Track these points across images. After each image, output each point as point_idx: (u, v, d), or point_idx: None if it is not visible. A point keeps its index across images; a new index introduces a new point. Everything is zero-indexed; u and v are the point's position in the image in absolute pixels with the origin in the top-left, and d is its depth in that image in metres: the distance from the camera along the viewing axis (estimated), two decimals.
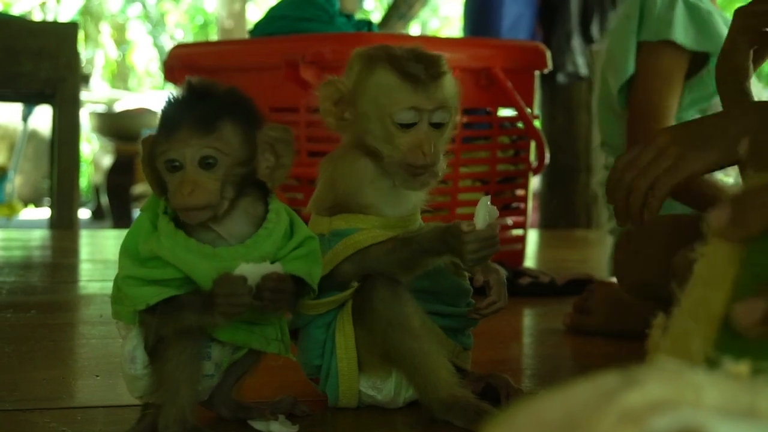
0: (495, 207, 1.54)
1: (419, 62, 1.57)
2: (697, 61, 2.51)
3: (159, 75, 14.86)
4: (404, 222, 1.62)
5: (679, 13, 2.51)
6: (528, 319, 2.67)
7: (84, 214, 9.67)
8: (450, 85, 1.60)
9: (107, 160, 9.26)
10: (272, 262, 1.42)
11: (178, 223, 1.42)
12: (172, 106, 1.42)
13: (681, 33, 2.49)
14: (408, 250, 1.55)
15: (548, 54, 3.17)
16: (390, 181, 1.61)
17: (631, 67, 2.49)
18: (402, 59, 1.57)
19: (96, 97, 11.55)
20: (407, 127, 1.56)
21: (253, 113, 1.45)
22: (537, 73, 3.17)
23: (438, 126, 1.58)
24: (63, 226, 4.91)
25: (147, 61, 16.32)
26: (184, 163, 1.38)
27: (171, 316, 1.40)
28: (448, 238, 1.51)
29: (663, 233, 2.17)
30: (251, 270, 1.37)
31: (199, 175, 1.37)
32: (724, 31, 2.35)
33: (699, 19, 2.52)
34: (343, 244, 1.56)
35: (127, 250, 1.44)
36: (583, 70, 5.13)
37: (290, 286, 1.40)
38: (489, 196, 1.55)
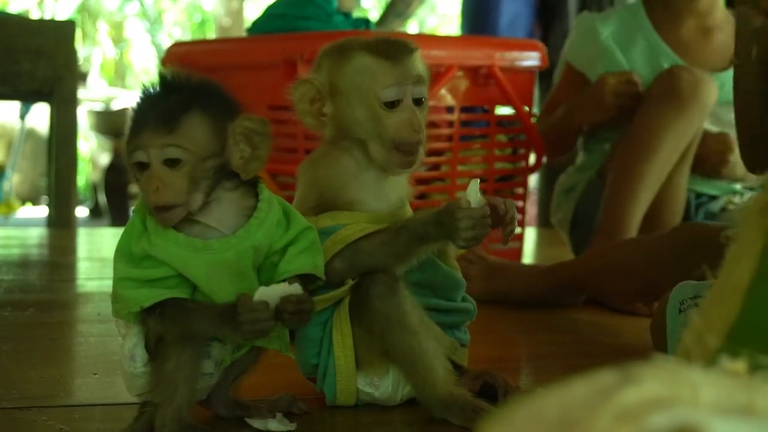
0: (482, 191, 1.55)
1: (389, 43, 1.61)
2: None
3: (157, 73, 14.85)
4: (392, 216, 1.62)
5: (576, 37, 3.17)
6: (525, 316, 2.66)
7: (82, 212, 9.66)
8: (421, 61, 1.63)
9: (105, 159, 9.25)
10: (276, 265, 1.43)
11: None
12: (141, 103, 1.40)
13: (572, 53, 3.17)
14: (399, 239, 1.55)
15: (546, 52, 3.16)
16: (374, 174, 1.62)
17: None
18: (374, 42, 1.61)
19: (94, 95, 11.54)
20: (393, 105, 1.59)
21: (224, 104, 1.43)
22: (535, 71, 3.17)
23: (419, 102, 1.61)
24: (61, 224, 4.90)
25: (145, 59, 16.30)
26: (150, 162, 1.37)
27: (179, 322, 1.40)
28: (442, 218, 1.51)
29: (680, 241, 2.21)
30: (270, 293, 1.37)
31: (164, 173, 1.36)
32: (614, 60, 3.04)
33: (588, 45, 3.12)
34: (332, 240, 1.56)
35: (120, 252, 1.44)
36: None
37: (310, 305, 1.40)
38: (478, 180, 1.55)
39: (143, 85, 1.41)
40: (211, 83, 1.44)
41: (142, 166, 1.38)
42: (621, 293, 2.56)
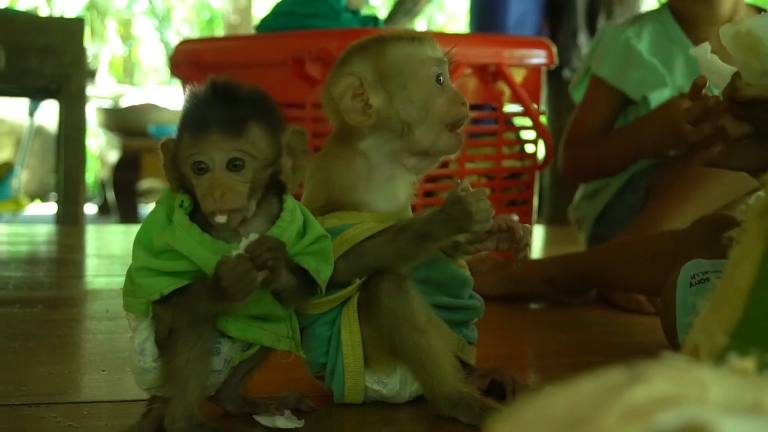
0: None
1: (412, 32, 1.67)
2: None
3: (165, 70, 14.86)
4: (398, 216, 1.63)
5: (608, 51, 2.98)
6: (533, 314, 2.66)
7: (90, 209, 9.67)
8: None
9: (113, 156, 9.26)
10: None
11: (193, 217, 1.42)
12: (197, 107, 1.41)
13: (606, 69, 2.97)
14: (404, 238, 1.55)
15: (555, 50, 3.16)
16: (385, 175, 1.62)
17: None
18: (402, 33, 1.66)
19: (102, 92, 11.56)
20: (440, 83, 1.62)
21: (278, 114, 1.45)
22: (543, 69, 3.16)
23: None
24: (69, 221, 4.91)
25: (153, 56, 16.32)
26: (212, 166, 1.38)
27: (185, 306, 1.40)
28: (449, 210, 1.51)
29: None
30: (243, 245, 1.36)
31: (228, 178, 1.38)
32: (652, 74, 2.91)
33: (625, 60, 2.95)
34: (339, 241, 1.56)
35: (141, 242, 1.44)
36: None
37: (279, 243, 1.38)
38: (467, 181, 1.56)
39: (192, 90, 1.42)
40: (262, 92, 1.45)
41: (201, 171, 1.38)
42: (645, 284, 2.50)
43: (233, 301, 1.36)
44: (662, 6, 3.09)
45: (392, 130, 1.62)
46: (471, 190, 1.51)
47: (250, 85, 1.44)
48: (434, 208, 1.55)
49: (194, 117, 1.40)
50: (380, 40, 1.64)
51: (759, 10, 2.97)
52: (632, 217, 2.91)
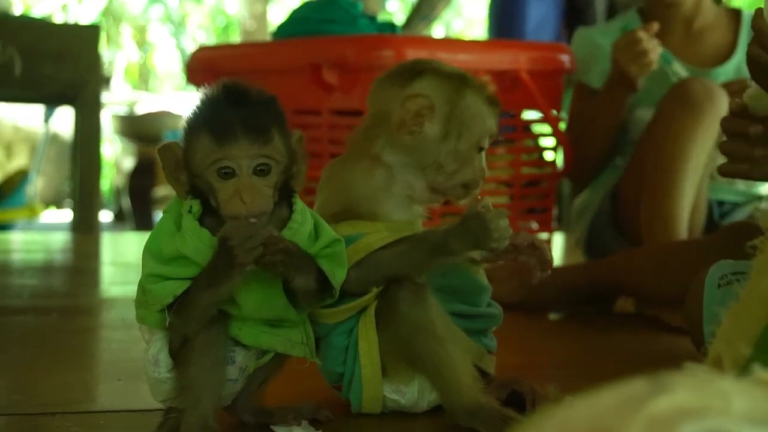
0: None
1: (493, 91, 1.70)
2: None
3: (181, 77, 14.91)
4: (411, 225, 1.63)
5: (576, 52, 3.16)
6: (552, 323, 2.65)
7: (105, 216, 9.70)
8: None
9: (129, 163, 9.29)
10: None
11: (202, 222, 1.41)
12: (214, 110, 1.41)
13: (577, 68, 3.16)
14: (420, 250, 1.55)
15: (574, 56, 3.14)
16: (402, 188, 1.61)
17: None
18: (485, 86, 1.69)
19: (117, 99, 11.59)
20: (481, 150, 1.66)
21: (285, 118, 1.45)
22: (563, 75, 3.15)
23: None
24: (84, 228, 4.92)
25: (168, 63, 16.37)
26: (239, 171, 1.37)
27: (192, 299, 1.39)
28: (469, 224, 1.51)
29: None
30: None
31: (256, 182, 1.38)
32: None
33: (590, 56, 3.17)
34: (352, 249, 1.55)
35: (150, 251, 1.44)
36: None
37: (293, 243, 1.39)
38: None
39: (205, 94, 1.42)
40: (273, 96, 1.45)
41: (227, 175, 1.38)
42: (667, 293, 2.49)
43: (239, 263, 1.35)
44: (632, 9, 3.32)
45: (422, 159, 1.63)
46: (492, 208, 1.51)
47: (257, 88, 1.44)
48: (452, 220, 1.54)
49: (215, 121, 1.39)
50: (465, 81, 1.66)
51: (731, 10, 3.27)
52: (611, 229, 3.08)
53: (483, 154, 1.66)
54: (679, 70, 3.05)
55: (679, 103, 2.79)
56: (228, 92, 1.41)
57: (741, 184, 3.02)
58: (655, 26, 2.91)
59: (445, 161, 1.62)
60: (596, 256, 3.07)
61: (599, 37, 3.20)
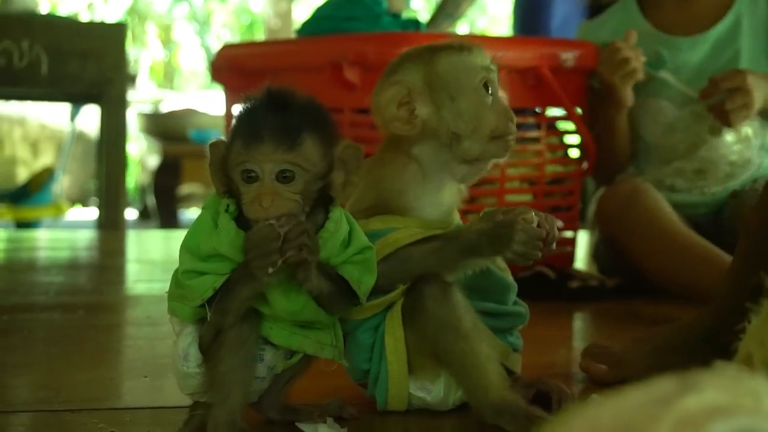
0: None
1: (461, 41, 1.65)
2: None
3: (205, 75, 14.92)
4: (442, 224, 1.61)
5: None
6: (578, 322, 2.64)
7: (131, 214, 9.72)
8: None
9: (154, 161, 9.30)
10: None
11: (238, 221, 1.41)
12: (250, 115, 1.40)
13: None
14: (450, 249, 1.54)
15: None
16: (435, 182, 1.61)
17: None
18: (451, 42, 1.64)
19: (142, 97, 11.62)
20: (488, 91, 1.61)
21: (332, 127, 1.44)
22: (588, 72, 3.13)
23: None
24: (110, 226, 4.93)
25: (193, 61, 16.39)
26: (262, 176, 1.37)
27: (229, 293, 1.39)
28: (499, 229, 1.50)
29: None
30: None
31: (277, 188, 1.37)
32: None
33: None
34: (381, 243, 1.54)
35: (188, 247, 1.44)
36: None
37: (310, 226, 1.38)
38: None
39: (248, 98, 1.41)
40: (317, 104, 1.44)
41: (251, 179, 1.38)
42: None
43: (256, 272, 1.35)
44: None
45: (440, 140, 1.61)
46: (534, 223, 1.50)
47: (306, 94, 1.43)
48: (482, 221, 1.53)
49: (247, 124, 1.39)
50: (430, 50, 1.63)
51: None
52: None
53: (499, 94, 1.63)
54: (667, 77, 3.03)
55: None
56: (269, 97, 1.40)
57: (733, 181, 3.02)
58: (633, 36, 2.99)
59: (458, 126, 1.60)
60: (607, 267, 3.13)
61: (600, 29, 3.24)
